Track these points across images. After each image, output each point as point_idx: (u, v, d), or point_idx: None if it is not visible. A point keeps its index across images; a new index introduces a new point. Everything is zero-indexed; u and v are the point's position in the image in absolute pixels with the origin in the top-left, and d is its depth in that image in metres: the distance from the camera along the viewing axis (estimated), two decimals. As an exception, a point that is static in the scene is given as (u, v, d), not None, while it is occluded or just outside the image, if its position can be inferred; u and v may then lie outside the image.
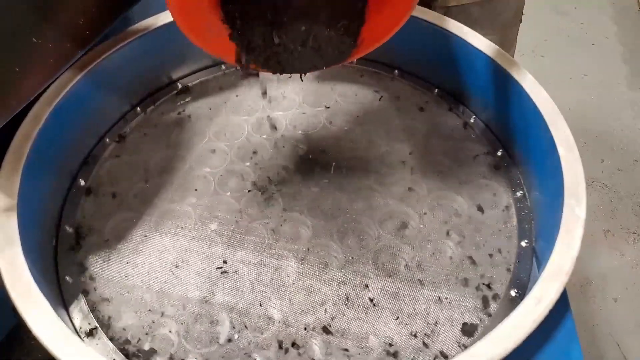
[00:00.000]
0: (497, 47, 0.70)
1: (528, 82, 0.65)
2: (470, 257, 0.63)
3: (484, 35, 0.72)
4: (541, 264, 0.57)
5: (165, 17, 0.75)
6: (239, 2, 0.54)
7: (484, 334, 0.54)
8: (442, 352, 0.55)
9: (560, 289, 0.47)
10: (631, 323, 1.33)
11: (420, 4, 0.88)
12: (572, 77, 1.98)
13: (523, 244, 0.64)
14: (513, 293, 0.59)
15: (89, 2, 0.60)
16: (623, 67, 2.02)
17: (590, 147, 1.72)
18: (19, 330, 0.71)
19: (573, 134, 0.58)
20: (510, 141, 0.73)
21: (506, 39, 0.99)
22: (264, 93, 0.78)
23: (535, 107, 0.63)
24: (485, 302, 0.59)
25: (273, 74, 0.58)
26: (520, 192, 0.69)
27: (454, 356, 0.44)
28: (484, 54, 0.70)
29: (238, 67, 0.57)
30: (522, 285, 0.60)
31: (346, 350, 0.55)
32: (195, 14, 0.51)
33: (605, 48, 2.11)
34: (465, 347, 0.55)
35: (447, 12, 0.90)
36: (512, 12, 0.97)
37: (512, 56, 1.03)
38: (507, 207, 0.68)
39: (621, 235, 1.50)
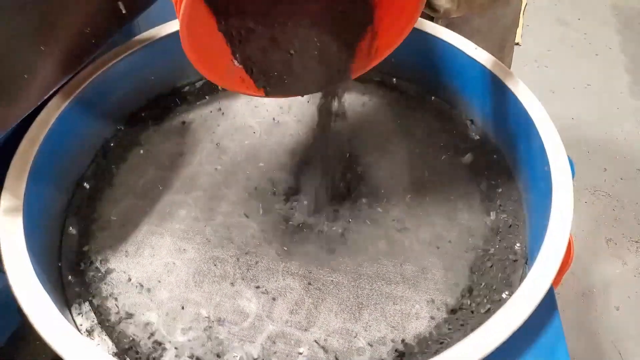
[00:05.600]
0: (490, 55, 0.72)
1: (520, 90, 0.67)
2: (464, 260, 0.64)
3: (486, 41, 0.74)
4: (532, 265, 0.58)
5: (169, 28, 0.78)
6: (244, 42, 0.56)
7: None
8: (435, 351, 0.56)
9: (545, 287, 0.48)
10: (633, 331, 1.33)
11: (422, 16, 0.90)
12: (576, 87, 1.99)
13: (516, 247, 0.65)
14: (504, 295, 0.60)
15: (96, 11, 0.62)
16: (626, 76, 2.02)
17: (593, 155, 1.72)
18: (23, 331, 0.73)
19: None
20: (503, 147, 0.74)
21: (506, 43, 1.03)
22: None
23: (526, 113, 0.64)
24: (477, 304, 0.60)
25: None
26: (515, 196, 0.70)
27: (440, 353, 0.46)
28: (478, 62, 0.72)
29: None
30: (513, 287, 0.61)
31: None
32: (211, 57, 0.55)
33: (608, 58, 2.11)
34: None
35: (450, 23, 0.92)
36: (511, 17, 1.01)
37: (511, 60, 1.06)
38: (501, 211, 0.69)
39: (623, 244, 1.50)
